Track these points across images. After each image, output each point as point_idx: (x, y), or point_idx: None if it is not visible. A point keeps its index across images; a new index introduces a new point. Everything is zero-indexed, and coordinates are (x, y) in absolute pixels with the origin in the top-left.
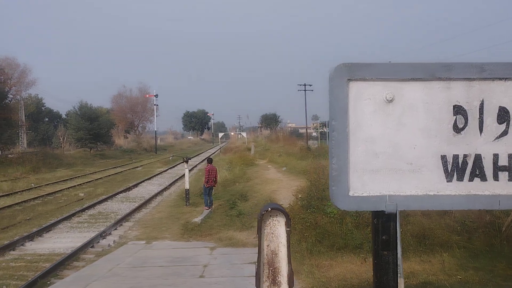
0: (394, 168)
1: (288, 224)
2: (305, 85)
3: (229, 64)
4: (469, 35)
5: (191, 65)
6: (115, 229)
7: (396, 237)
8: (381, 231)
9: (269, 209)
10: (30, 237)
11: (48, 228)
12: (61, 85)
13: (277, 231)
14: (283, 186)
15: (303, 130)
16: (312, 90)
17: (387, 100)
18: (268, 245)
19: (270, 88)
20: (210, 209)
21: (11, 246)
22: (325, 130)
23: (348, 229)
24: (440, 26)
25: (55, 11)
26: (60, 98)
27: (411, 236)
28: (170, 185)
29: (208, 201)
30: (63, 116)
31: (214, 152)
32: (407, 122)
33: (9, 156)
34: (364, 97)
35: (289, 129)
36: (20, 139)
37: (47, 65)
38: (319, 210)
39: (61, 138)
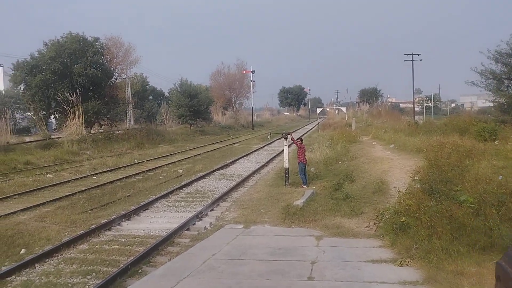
0: None
1: None
2: (412, 54)
3: (326, 37)
4: None
5: (288, 39)
6: (212, 209)
7: None
8: None
9: None
10: (127, 216)
11: (145, 207)
12: (163, 64)
13: None
14: (395, 166)
15: (404, 105)
16: (420, 60)
17: None
18: None
19: (369, 61)
20: (312, 190)
21: (108, 225)
22: (430, 104)
23: (495, 224)
24: None
25: None
26: (163, 76)
27: None
28: (268, 162)
29: (305, 179)
30: (166, 94)
31: (312, 128)
32: None
33: (116, 132)
34: None
35: (390, 104)
36: (127, 116)
37: (151, 44)
38: (447, 196)
39: (164, 115)
